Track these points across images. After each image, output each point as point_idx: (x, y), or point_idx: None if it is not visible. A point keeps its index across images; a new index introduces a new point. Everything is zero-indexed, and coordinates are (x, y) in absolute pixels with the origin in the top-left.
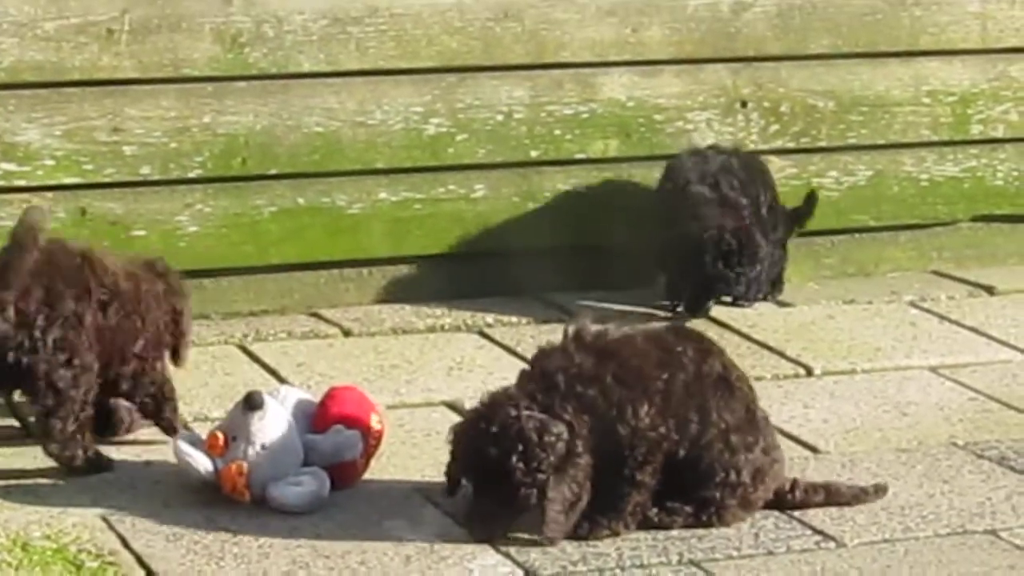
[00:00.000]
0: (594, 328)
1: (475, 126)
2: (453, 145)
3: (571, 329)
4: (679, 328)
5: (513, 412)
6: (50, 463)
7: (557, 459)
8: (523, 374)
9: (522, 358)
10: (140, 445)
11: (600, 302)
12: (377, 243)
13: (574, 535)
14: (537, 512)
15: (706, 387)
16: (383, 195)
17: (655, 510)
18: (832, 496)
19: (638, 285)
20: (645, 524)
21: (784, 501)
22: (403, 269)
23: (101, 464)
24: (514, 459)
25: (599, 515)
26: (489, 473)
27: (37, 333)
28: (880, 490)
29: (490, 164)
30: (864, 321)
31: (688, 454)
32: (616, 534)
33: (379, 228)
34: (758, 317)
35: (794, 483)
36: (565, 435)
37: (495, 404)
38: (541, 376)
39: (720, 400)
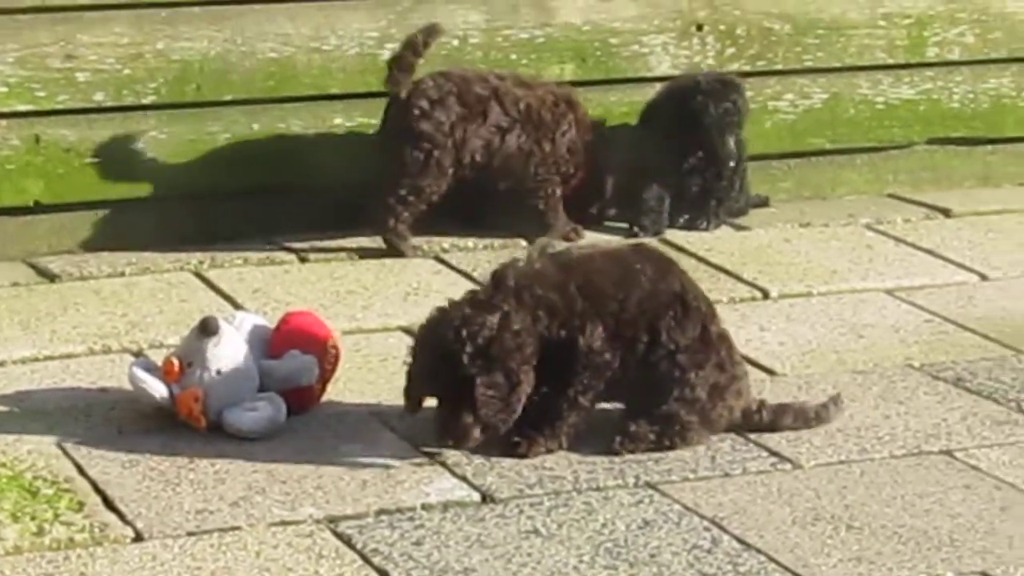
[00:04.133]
0: (559, 245)
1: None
2: None
3: (536, 245)
4: (641, 246)
5: (441, 311)
6: (4, 392)
7: (482, 347)
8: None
9: (479, 283)
10: (95, 372)
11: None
12: (332, 168)
13: (512, 451)
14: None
15: (659, 305)
16: (338, 120)
17: (618, 438)
18: (799, 416)
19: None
20: (609, 451)
21: (752, 422)
22: (358, 195)
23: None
24: (441, 352)
25: (536, 432)
26: (431, 376)
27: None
28: (835, 401)
29: None
30: (820, 244)
31: (638, 372)
32: (551, 452)
33: (334, 153)
34: (715, 240)
35: (761, 404)
36: (493, 324)
37: (436, 311)
38: (492, 280)
39: (672, 319)
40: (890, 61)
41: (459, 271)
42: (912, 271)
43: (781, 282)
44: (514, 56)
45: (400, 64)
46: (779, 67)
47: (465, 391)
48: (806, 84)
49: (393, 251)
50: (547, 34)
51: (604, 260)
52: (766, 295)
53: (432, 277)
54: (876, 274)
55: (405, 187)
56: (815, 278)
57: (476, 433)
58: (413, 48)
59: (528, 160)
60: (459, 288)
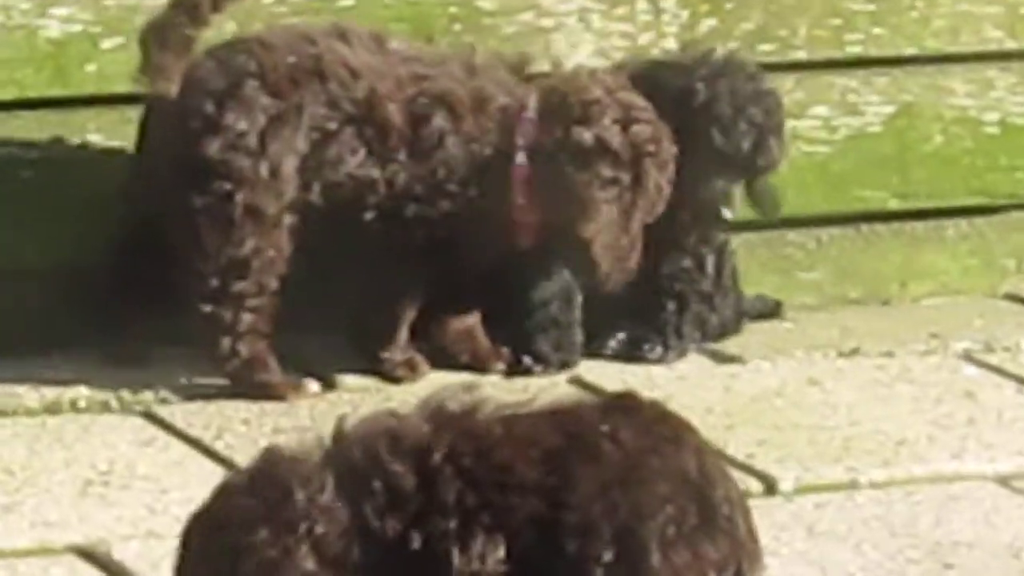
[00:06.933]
0: (463, 397)
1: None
2: None
3: (425, 400)
4: (626, 398)
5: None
6: None
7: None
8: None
9: (224, 460)
10: None
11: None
12: None
13: None
14: None
15: (645, 498)
16: None
17: None
18: None
19: None
20: None
21: None
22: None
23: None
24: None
25: None
26: None
27: None
28: None
29: None
30: (876, 390)
31: None
32: None
33: None
34: (678, 382)
35: None
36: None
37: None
38: (336, 454)
39: (673, 526)
40: None
41: (185, 437)
42: None
43: (800, 463)
44: None
45: (162, 39)
46: (802, 56)
47: None
48: (854, 86)
49: (255, 390)
50: None
51: (537, 421)
52: (772, 488)
53: (134, 450)
54: (980, 447)
55: (216, 273)
56: (864, 455)
57: None
58: (189, 11)
59: (363, 199)
60: (182, 469)
